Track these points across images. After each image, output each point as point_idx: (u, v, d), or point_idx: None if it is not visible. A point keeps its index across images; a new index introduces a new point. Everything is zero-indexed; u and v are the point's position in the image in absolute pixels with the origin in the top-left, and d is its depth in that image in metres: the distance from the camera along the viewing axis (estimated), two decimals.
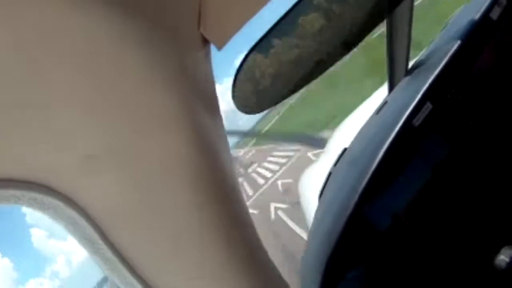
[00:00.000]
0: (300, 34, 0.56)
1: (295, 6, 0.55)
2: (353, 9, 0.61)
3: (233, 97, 0.54)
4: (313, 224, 0.94)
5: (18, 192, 0.30)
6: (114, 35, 0.28)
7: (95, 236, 0.34)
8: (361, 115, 1.51)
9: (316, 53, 0.60)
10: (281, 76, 0.58)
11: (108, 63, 0.29)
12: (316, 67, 0.61)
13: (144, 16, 0.30)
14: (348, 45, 0.62)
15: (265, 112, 0.64)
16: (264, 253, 0.44)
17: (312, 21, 0.56)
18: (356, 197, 0.73)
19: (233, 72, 0.53)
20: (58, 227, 0.34)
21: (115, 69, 0.29)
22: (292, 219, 5.71)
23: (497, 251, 0.72)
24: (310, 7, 0.56)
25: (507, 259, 0.70)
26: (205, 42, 0.37)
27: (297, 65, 0.59)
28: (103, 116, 0.30)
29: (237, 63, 0.53)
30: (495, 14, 0.79)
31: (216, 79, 0.40)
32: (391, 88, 1.13)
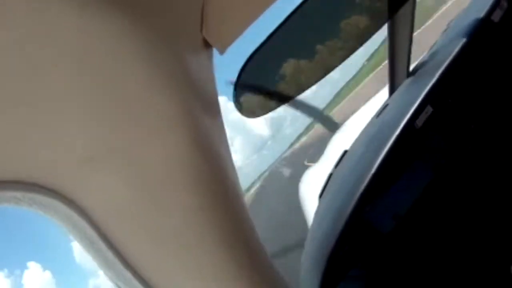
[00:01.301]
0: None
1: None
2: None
3: (239, 102, 0.53)
4: (313, 225, 0.94)
5: (18, 194, 0.30)
6: (114, 35, 0.28)
7: (96, 237, 0.34)
8: (362, 117, 1.51)
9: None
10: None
11: (109, 63, 0.29)
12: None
13: (145, 18, 0.30)
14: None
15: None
16: (265, 254, 0.44)
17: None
18: (357, 198, 0.73)
19: None
20: None
21: (116, 70, 0.29)
22: None
23: (506, 258, 0.71)
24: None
25: None
26: (207, 45, 0.38)
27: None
28: (103, 117, 0.30)
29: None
30: (496, 17, 0.79)
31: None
32: (392, 91, 1.13)
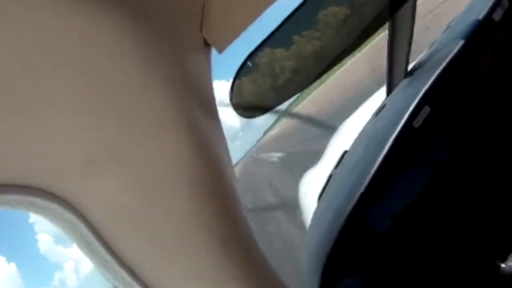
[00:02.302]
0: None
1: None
2: None
3: (233, 97, 0.53)
4: (311, 225, 0.94)
5: (17, 197, 0.30)
6: (113, 37, 0.28)
7: (93, 239, 0.34)
8: (360, 117, 1.52)
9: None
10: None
11: (107, 65, 0.29)
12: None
13: (144, 19, 0.30)
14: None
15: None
16: (262, 255, 0.44)
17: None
18: (355, 199, 0.73)
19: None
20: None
21: (115, 72, 0.29)
22: None
23: (502, 257, 0.71)
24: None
25: None
26: (206, 46, 0.38)
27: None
28: (102, 119, 0.30)
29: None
30: (497, 16, 0.78)
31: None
32: (390, 91, 1.13)
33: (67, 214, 0.32)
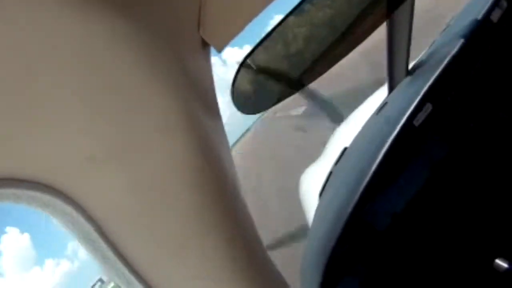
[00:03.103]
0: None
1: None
2: None
3: (235, 91, 0.52)
4: (313, 223, 0.95)
5: (18, 191, 0.30)
6: (113, 36, 0.29)
7: (95, 235, 0.34)
8: (361, 115, 1.52)
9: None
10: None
11: (108, 64, 0.29)
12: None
13: (144, 18, 0.30)
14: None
15: None
16: (265, 254, 0.44)
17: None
18: (356, 197, 0.73)
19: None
20: None
21: (116, 71, 0.30)
22: None
23: (498, 254, 0.72)
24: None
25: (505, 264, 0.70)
26: (205, 44, 0.38)
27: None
28: (105, 117, 0.30)
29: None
30: (495, 16, 0.79)
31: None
32: (391, 89, 1.13)
33: (69, 209, 0.32)
